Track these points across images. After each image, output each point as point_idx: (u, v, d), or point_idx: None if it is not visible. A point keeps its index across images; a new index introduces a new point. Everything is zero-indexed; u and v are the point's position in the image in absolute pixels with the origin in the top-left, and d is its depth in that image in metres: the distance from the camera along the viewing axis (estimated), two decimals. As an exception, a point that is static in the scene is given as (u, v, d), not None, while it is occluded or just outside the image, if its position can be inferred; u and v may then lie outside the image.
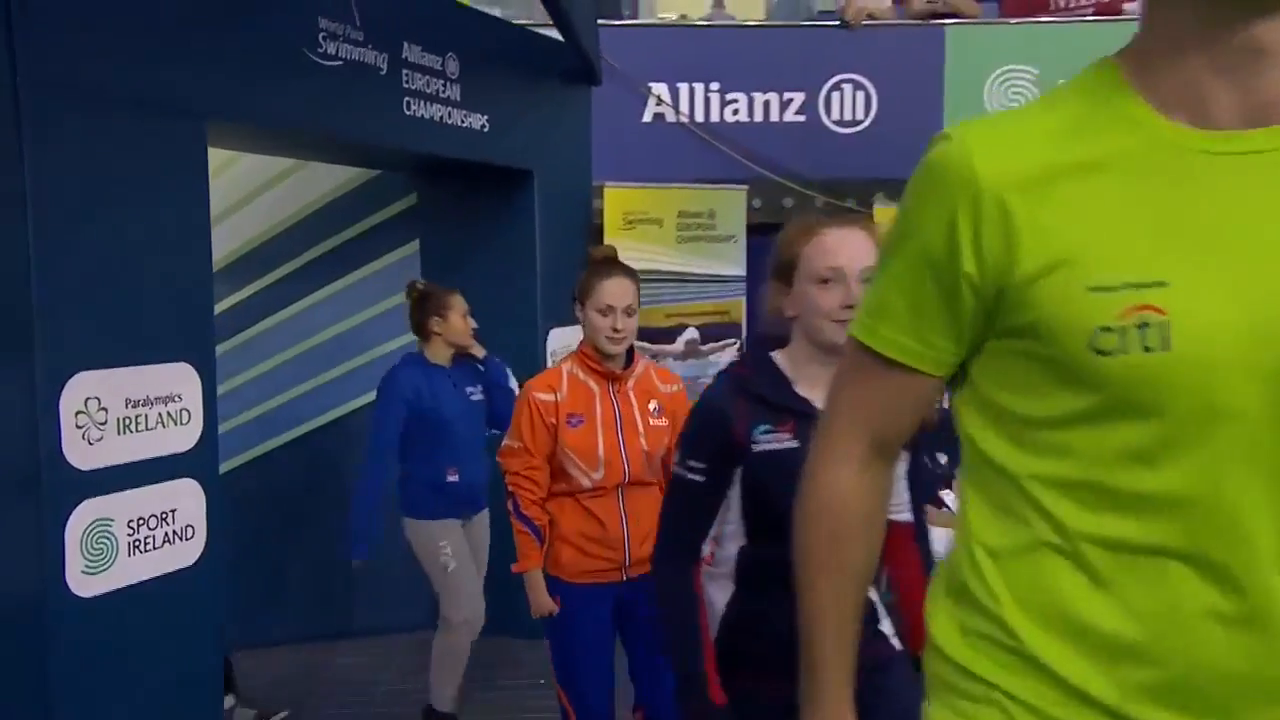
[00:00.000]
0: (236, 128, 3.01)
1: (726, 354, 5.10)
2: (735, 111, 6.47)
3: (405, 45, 3.63)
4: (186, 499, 2.79)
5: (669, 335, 4.96)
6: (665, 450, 2.76)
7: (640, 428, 2.76)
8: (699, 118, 6.43)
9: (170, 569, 2.74)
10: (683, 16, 10.02)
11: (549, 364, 4.54)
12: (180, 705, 2.79)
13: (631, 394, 2.79)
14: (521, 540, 2.79)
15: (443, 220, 4.62)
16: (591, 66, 4.80)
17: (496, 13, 7.02)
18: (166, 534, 2.74)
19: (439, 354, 3.62)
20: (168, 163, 2.71)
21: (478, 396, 3.67)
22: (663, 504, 1.92)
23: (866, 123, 6.52)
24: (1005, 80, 6.50)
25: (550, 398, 2.74)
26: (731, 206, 5.28)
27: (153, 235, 2.67)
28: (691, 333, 5.02)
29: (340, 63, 3.32)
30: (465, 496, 3.58)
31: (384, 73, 3.54)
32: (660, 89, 6.40)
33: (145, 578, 2.67)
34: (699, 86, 6.45)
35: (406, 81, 3.65)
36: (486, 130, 4.10)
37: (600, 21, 5.34)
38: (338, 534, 3.89)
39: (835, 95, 6.50)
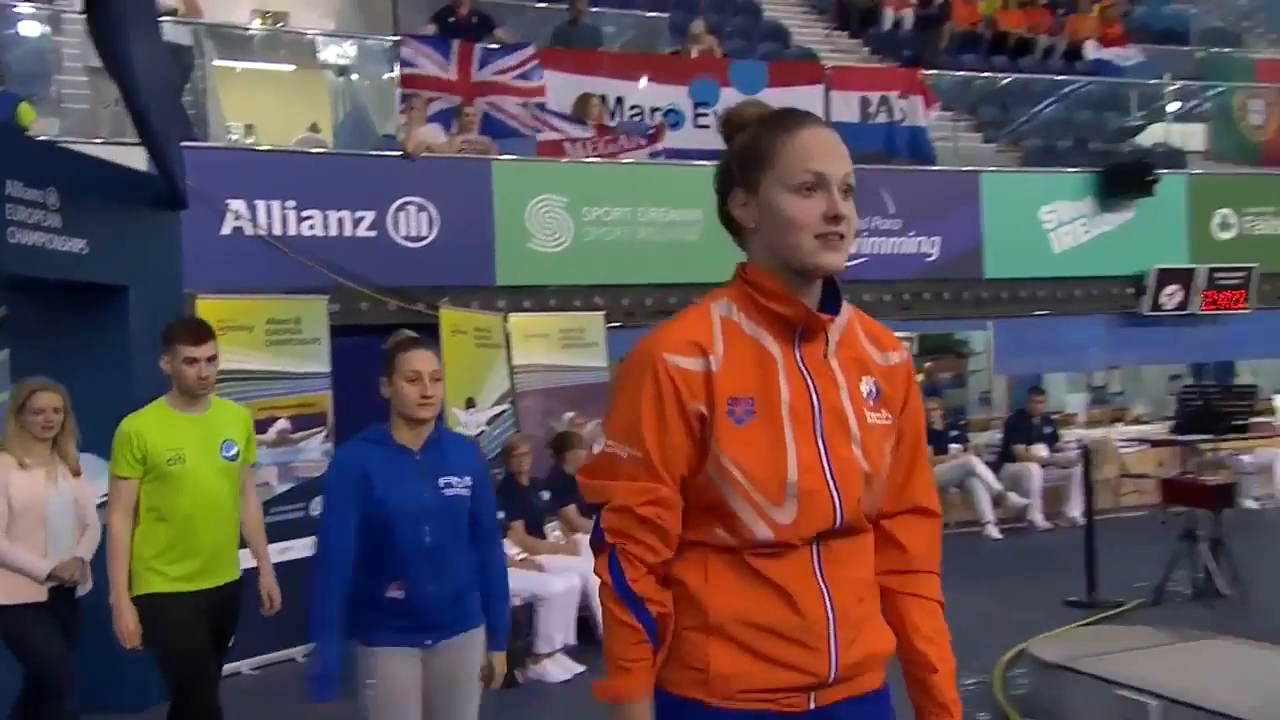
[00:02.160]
0: None
1: (314, 440, 5.83)
2: (311, 226, 7.27)
3: (9, 182, 4.07)
4: None
5: (261, 427, 5.59)
6: (887, 470, 1.55)
7: (855, 427, 1.50)
8: (277, 231, 7.13)
9: None
10: (249, 128, 10.59)
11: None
12: None
13: (835, 363, 1.52)
14: (618, 637, 1.49)
15: (35, 331, 4.92)
16: (178, 192, 5.40)
17: (56, 130, 7.25)
18: None
19: (400, 429, 2.75)
20: None
21: (457, 490, 2.77)
22: None
23: (430, 238, 7.62)
24: (542, 205, 7.95)
25: (696, 365, 1.46)
26: (315, 313, 6.06)
27: None
28: (283, 423, 5.69)
29: (-49, 198, 3.72)
30: (418, 620, 2.70)
31: (-11, 205, 3.96)
32: (239, 205, 7.02)
33: None
34: (276, 204, 7.17)
35: (10, 214, 4.08)
36: (85, 253, 4.57)
37: (184, 144, 5.91)
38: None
39: (402, 214, 7.54)
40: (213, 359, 3.48)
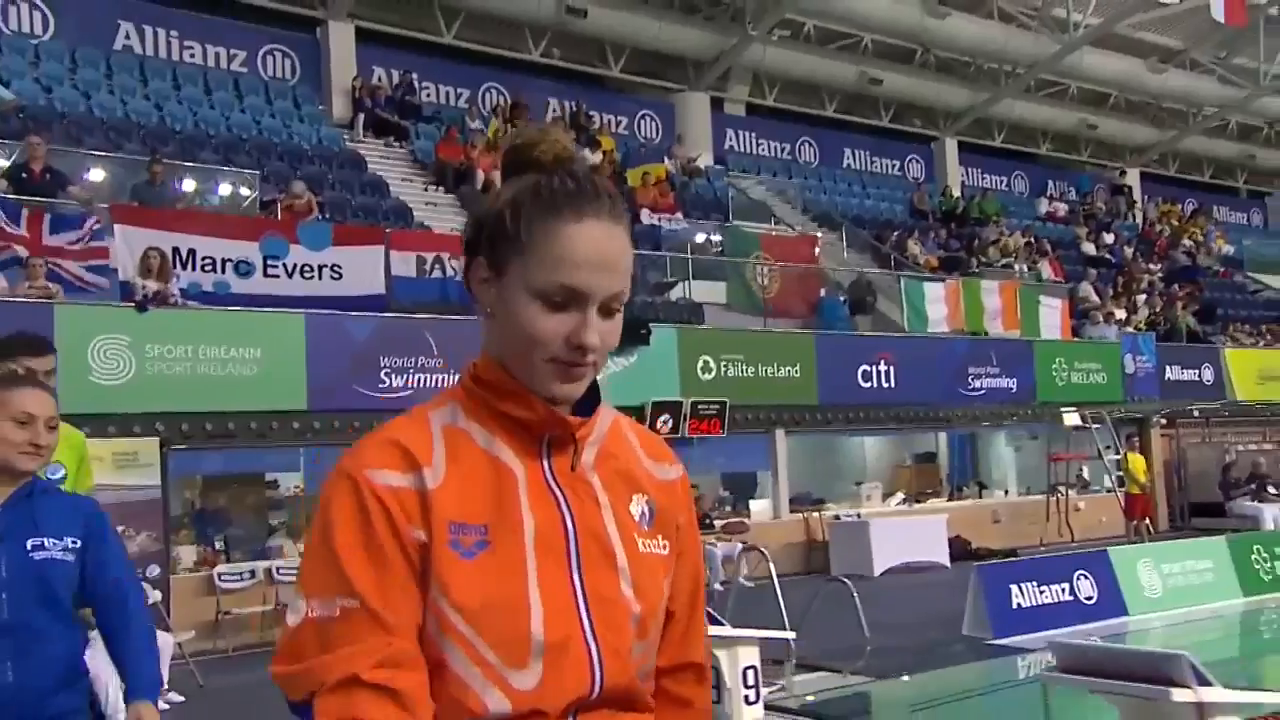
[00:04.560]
0: None
1: None
2: None
3: None
4: None
5: None
6: (665, 617, 1.25)
7: (621, 557, 1.20)
8: None
9: None
10: None
11: None
12: None
13: (594, 477, 1.23)
14: None
15: None
16: None
17: None
18: None
19: None
20: None
21: (52, 554, 2.33)
22: None
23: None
24: (105, 344, 8.98)
25: (407, 482, 1.15)
26: None
27: None
28: None
29: None
30: None
31: None
32: None
33: None
34: None
35: None
36: None
37: None
38: None
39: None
40: (50, 373, 3.13)
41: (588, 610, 1.15)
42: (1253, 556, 9.60)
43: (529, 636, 1.11)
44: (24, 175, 9.66)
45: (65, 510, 2.41)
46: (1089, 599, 8.55)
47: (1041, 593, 8.30)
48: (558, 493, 1.18)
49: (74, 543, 2.35)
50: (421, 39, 18.53)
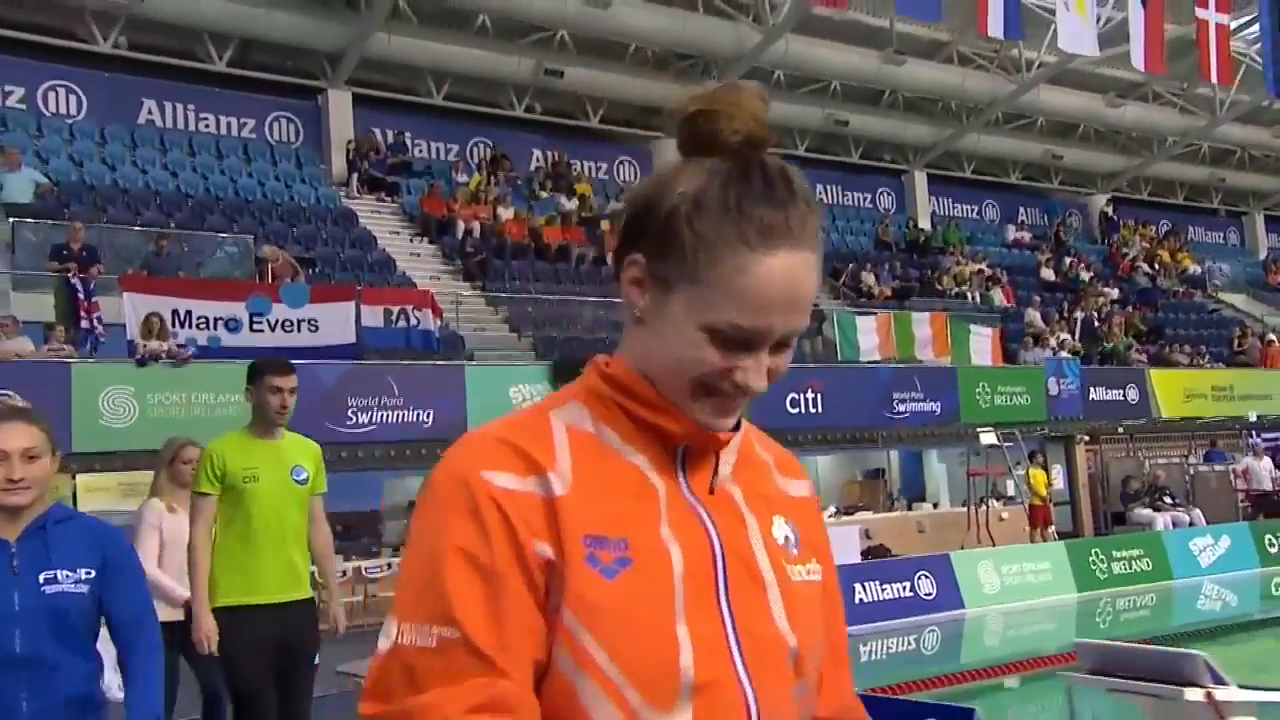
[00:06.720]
0: None
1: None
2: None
3: None
4: None
5: None
6: (822, 650, 1.10)
7: (771, 586, 1.06)
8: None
9: None
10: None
11: None
12: None
13: (738, 493, 1.09)
14: None
15: None
16: None
17: None
18: None
19: None
20: None
21: (64, 587, 2.39)
22: None
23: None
24: (113, 393, 10.89)
25: (531, 486, 1.00)
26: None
27: None
28: None
29: None
30: None
31: None
32: None
33: None
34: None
35: None
36: None
37: None
38: None
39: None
40: (293, 391, 3.88)
41: (739, 648, 0.99)
42: (1090, 558, 11.06)
43: (678, 674, 0.95)
44: (64, 253, 11.68)
45: (81, 540, 2.46)
46: (928, 595, 10.10)
47: (883, 590, 9.87)
48: (701, 511, 1.03)
49: (88, 573, 2.41)
50: (414, 101, 20.49)
